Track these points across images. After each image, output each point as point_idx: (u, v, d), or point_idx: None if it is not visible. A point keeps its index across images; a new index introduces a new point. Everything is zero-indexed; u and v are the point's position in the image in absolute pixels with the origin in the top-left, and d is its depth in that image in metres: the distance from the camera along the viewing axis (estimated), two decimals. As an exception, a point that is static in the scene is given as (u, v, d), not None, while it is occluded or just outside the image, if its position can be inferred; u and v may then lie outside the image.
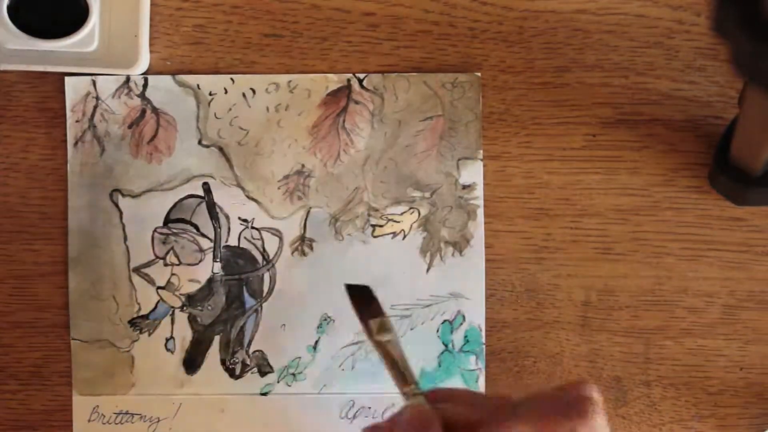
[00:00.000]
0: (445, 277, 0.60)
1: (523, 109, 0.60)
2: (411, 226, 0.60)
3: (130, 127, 0.61)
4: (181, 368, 0.61)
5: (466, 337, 0.60)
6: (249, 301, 0.61)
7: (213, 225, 0.61)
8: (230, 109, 0.61)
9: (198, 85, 0.61)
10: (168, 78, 0.61)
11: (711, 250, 0.60)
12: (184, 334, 0.61)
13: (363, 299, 0.53)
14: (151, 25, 0.60)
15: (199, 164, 0.61)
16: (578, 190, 0.60)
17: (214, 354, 0.61)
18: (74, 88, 0.61)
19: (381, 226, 0.60)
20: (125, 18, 0.60)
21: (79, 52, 0.60)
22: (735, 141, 0.54)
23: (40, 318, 0.61)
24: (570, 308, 0.60)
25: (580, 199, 0.60)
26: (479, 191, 0.60)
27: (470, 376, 0.60)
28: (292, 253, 0.61)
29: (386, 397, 0.60)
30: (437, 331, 0.60)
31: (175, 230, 0.61)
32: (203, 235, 0.61)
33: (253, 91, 0.61)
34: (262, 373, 0.61)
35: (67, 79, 0.61)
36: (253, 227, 0.61)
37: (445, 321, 0.60)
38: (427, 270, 0.60)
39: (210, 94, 0.61)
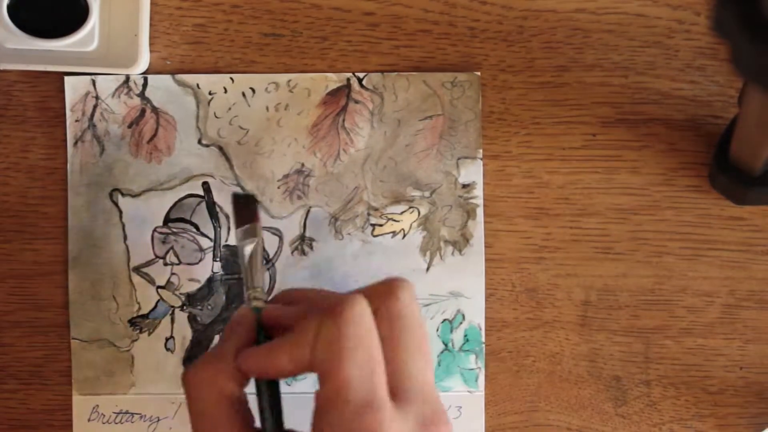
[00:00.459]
0: (445, 276, 0.60)
1: (522, 109, 0.60)
2: (411, 225, 0.60)
3: (129, 126, 0.61)
4: (182, 368, 0.61)
5: (465, 336, 0.60)
6: (249, 301, 0.61)
7: (213, 224, 0.61)
8: (230, 109, 0.61)
9: (197, 85, 0.61)
10: (167, 77, 0.61)
11: (711, 250, 0.60)
12: (184, 333, 0.61)
13: (245, 207, 0.54)
14: (151, 25, 0.60)
15: (199, 163, 0.61)
16: (578, 189, 0.60)
17: (214, 354, 0.61)
18: (74, 88, 0.61)
19: (381, 225, 0.60)
20: (125, 17, 0.60)
21: (79, 51, 0.60)
22: (735, 141, 0.54)
23: (40, 318, 0.61)
24: (570, 308, 0.60)
25: (580, 199, 0.60)
26: (479, 190, 0.60)
27: (470, 375, 0.60)
28: (292, 252, 0.61)
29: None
30: (437, 330, 0.60)
31: (175, 230, 0.61)
32: (203, 235, 0.61)
33: (253, 91, 0.61)
34: (262, 373, 0.61)
35: (66, 78, 0.61)
36: None
37: (444, 320, 0.60)
38: (427, 269, 0.60)
39: (209, 94, 0.61)
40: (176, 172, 0.61)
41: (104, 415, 0.61)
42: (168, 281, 0.61)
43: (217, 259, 0.61)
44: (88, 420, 0.61)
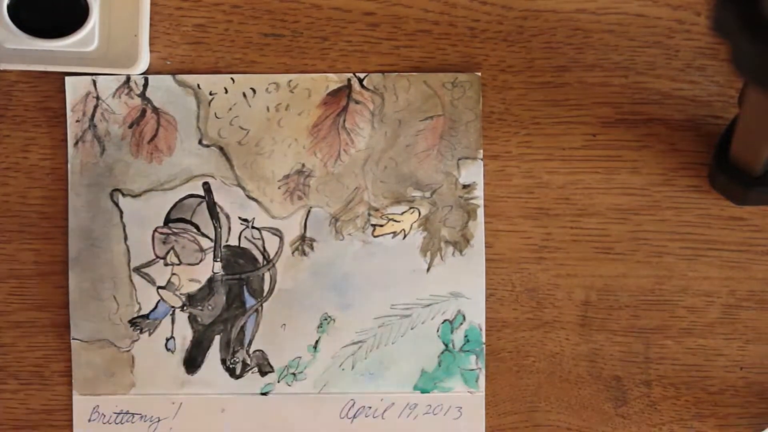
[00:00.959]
0: (446, 276, 0.60)
1: (523, 109, 0.60)
2: (411, 225, 0.60)
3: (130, 126, 0.61)
4: (182, 368, 0.61)
5: (466, 336, 0.60)
6: (249, 301, 0.61)
7: (213, 225, 0.61)
8: (230, 109, 0.61)
9: (198, 85, 0.61)
10: (168, 78, 0.61)
11: (711, 250, 0.60)
12: (184, 333, 0.61)
13: None
14: (151, 25, 0.60)
15: (200, 164, 0.61)
16: (578, 189, 0.60)
17: (214, 354, 0.61)
18: (74, 88, 0.61)
19: (381, 225, 0.60)
20: (125, 18, 0.60)
21: (79, 51, 0.60)
22: (735, 141, 0.54)
23: (40, 318, 0.61)
24: (570, 308, 0.60)
25: (580, 199, 0.60)
26: (479, 191, 0.60)
27: (470, 375, 0.60)
28: (293, 252, 0.61)
29: (386, 397, 0.60)
30: (437, 330, 0.60)
31: (175, 230, 0.61)
32: (204, 235, 0.61)
33: (254, 91, 0.61)
34: (263, 373, 0.61)
35: (67, 78, 0.61)
36: (253, 227, 0.61)
37: (445, 320, 0.60)
38: (428, 269, 0.60)
39: (210, 94, 0.61)
40: (177, 173, 0.61)
41: (104, 416, 0.61)
42: (168, 281, 0.61)
43: (218, 260, 0.61)
44: (89, 420, 0.61)
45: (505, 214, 0.60)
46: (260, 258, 0.61)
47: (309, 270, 0.60)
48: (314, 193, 0.61)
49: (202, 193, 0.61)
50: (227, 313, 0.61)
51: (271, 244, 0.61)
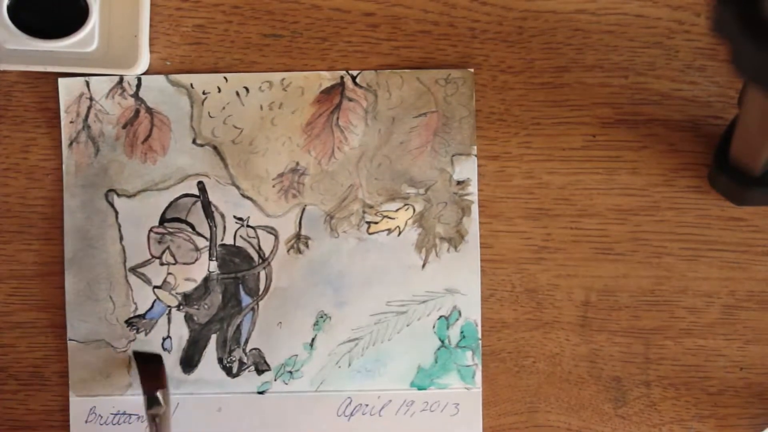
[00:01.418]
0: (441, 272, 0.60)
1: (523, 109, 0.60)
2: (406, 222, 0.60)
3: (124, 127, 0.61)
4: (178, 367, 0.61)
5: (462, 332, 0.60)
6: (245, 300, 0.61)
7: (208, 224, 0.61)
8: (224, 108, 0.61)
9: (191, 84, 0.61)
10: (161, 77, 0.61)
11: (711, 250, 0.60)
12: (180, 333, 0.61)
13: (150, 368, 0.56)
14: (151, 25, 0.60)
15: (194, 163, 0.61)
16: (578, 190, 0.60)
17: (210, 353, 0.61)
18: (68, 89, 0.61)
19: (376, 222, 0.60)
20: (125, 18, 0.60)
21: (79, 52, 0.60)
22: (735, 141, 0.54)
23: (40, 318, 0.61)
24: (570, 308, 0.60)
25: (580, 199, 0.60)
26: (473, 187, 0.60)
27: (467, 371, 0.60)
28: (288, 251, 0.61)
29: (383, 394, 0.60)
30: (433, 326, 0.60)
31: (170, 229, 0.61)
32: (199, 234, 0.61)
33: (247, 90, 0.61)
34: (259, 372, 0.61)
35: (60, 80, 0.61)
36: (248, 225, 0.61)
37: (441, 317, 0.60)
38: (423, 266, 0.60)
39: (203, 93, 0.61)
40: (171, 172, 0.61)
41: (101, 416, 0.61)
42: (164, 281, 0.61)
43: (213, 258, 0.61)
44: (86, 422, 0.61)
45: (505, 214, 0.60)
46: (255, 256, 0.61)
47: (304, 268, 0.60)
48: (309, 191, 0.61)
49: (196, 192, 0.61)
50: (223, 312, 0.61)
51: (267, 242, 0.61)
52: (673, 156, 0.60)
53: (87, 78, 0.61)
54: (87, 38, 0.60)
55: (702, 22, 0.60)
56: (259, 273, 0.61)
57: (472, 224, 0.60)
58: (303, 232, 0.61)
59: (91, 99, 0.61)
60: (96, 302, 0.61)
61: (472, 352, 0.60)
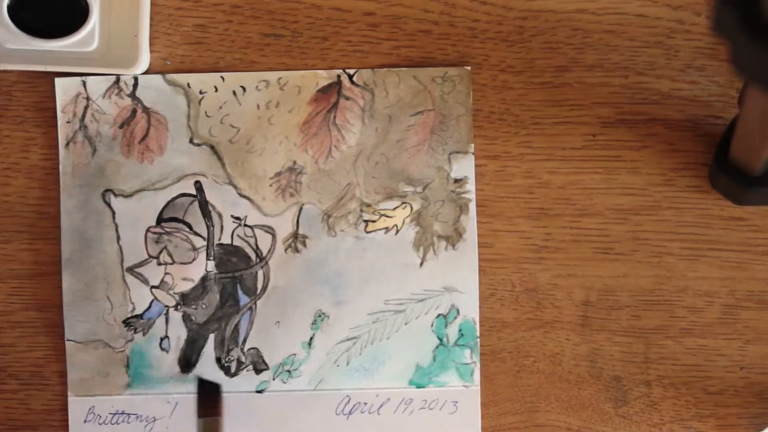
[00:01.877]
0: (439, 271, 0.60)
1: (523, 109, 0.60)
2: (403, 220, 0.60)
3: (121, 126, 0.61)
4: (177, 367, 0.61)
5: (460, 330, 0.60)
6: (243, 299, 0.61)
7: (206, 223, 0.61)
8: (221, 107, 0.61)
9: (188, 84, 0.61)
10: (158, 77, 0.61)
11: (711, 250, 0.60)
12: (178, 333, 0.61)
13: (209, 396, 0.56)
14: (151, 25, 0.60)
15: (191, 163, 0.61)
16: (578, 189, 0.60)
17: (209, 352, 0.61)
18: (64, 89, 0.61)
19: (374, 221, 0.60)
20: (125, 18, 0.60)
21: (79, 52, 0.60)
22: (735, 141, 0.54)
23: (40, 318, 0.61)
24: (570, 308, 0.60)
25: (580, 199, 0.60)
26: (471, 185, 0.60)
27: (465, 370, 0.60)
28: (286, 250, 0.61)
29: (382, 392, 0.60)
30: (431, 325, 0.60)
31: (168, 229, 0.61)
32: (196, 234, 0.61)
33: (244, 89, 0.61)
34: (258, 371, 0.61)
35: (57, 80, 0.61)
36: (245, 225, 0.61)
37: (439, 315, 0.60)
38: (421, 264, 0.60)
39: (200, 93, 0.61)
40: (168, 172, 0.61)
41: (100, 416, 0.61)
42: (162, 281, 0.61)
43: (211, 258, 0.61)
44: (84, 421, 0.61)
45: (505, 214, 0.60)
46: (253, 256, 0.61)
47: (302, 267, 0.60)
48: (306, 190, 0.61)
49: (193, 192, 0.61)
50: (221, 312, 0.61)
51: (264, 241, 0.61)
52: (673, 156, 0.60)
53: (84, 78, 0.61)
54: (87, 38, 0.60)
55: (702, 22, 0.60)
56: (256, 272, 0.61)
57: (470, 222, 0.60)
58: (300, 231, 0.61)
59: (87, 99, 0.61)
60: (94, 302, 0.61)
61: (471, 350, 0.60)
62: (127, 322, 0.61)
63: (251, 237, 0.61)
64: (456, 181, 0.60)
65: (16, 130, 0.61)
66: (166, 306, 0.61)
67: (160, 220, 0.61)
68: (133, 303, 0.61)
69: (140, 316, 0.61)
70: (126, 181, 0.61)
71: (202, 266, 0.61)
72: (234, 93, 0.61)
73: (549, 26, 0.60)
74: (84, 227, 0.61)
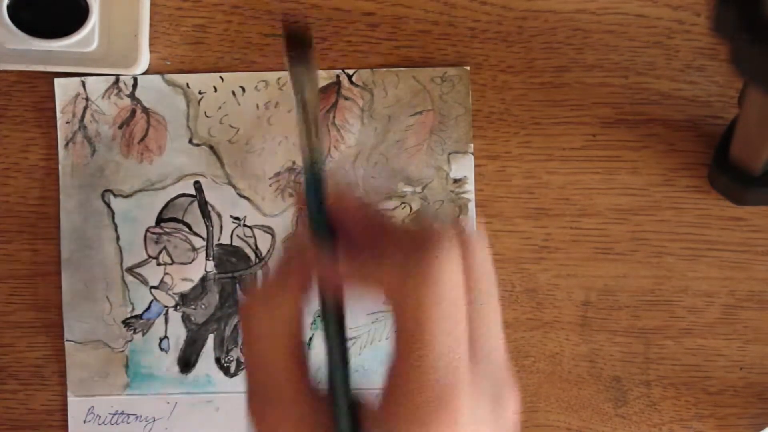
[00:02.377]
0: None
1: (523, 109, 0.60)
2: (403, 221, 0.60)
3: (120, 127, 0.61)
4: (176, 367, 0.61)
5: None
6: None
7: (205, 223, 0.61)
8: (220, 108, 0.61)
9: (187, 84, 0.61)
10: (157, 77, 0.61)
11: (711, 250, 0.60)
12: (178, 333, 0.61)
13: (297, 35, 0.42)
14: (151, 25, 0.60)
15: (190, 163, 0.61)
16: (578, 190, 0.60)
17: (208, 353, 0.61)
18: (63, 89, 0.61)
19: None
20: (125, 18, 0.60)
21: (79, 52, 0.60)
22: (735, 141, 0.53)
23: (40, 318, 0.61)
24: (570, 308, 0.60)
25: (580, 199, 0.60)
26: (470, 185, 0.60)
27: (467, 373, 0.60)
28: None
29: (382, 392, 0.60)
30: None
31: (167, 229, 0.61)
32: (196, 234, 0.61)
33: (243, 89, 0.61)
34: (259, 372, 0.61)
35: (56, 80, 0.61)
36: (245, 225, 0.61)
37: None
38: None
39: (199, 93, 0.61)
40: (167, 172, 0.61)
41: (100, 417, 0.61)
42: (161, 281, 0.61)
43: (210, 258, 0.61)
44: (84, 422, 0.61)
45: (505, 214, 0.60)
46: (252, 256, 0.61)
47: (301, 267, 0.60)
48: None
49: (193, 192, 0.61)
50: (221, 312, 0.61)
51: (263, 241, 0.61)
52: (673, 156, 0.60)
53: (83, 78, 0.61)
54: (87, 38, 0.60)
55: (702, 22, 0.60)
56: (256, 272, 0.61)
57: (469, 222, 0.60)
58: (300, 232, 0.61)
59: (87, 99, 0.61)
60: (93, 303, 0.61)
61: (471, 352, 0.60)
62: (126, 323, 0.61)
63: (251, 237, 0.61)
64: (455, 181, 0.60)
65: (15, 130, 0.61)
66: (166, 306, 0.61)
67: (159, 220, 0.61)
68: (132, 303, 0.61)
69: (140, 317, 0.61)
70: (125, 182, 0.61)
71: (201, 266, 0.61)
72: (233, 93, 0.61)
73: (549, 26, 0.60)
74: (83, 227, 0.61)
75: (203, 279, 0.61)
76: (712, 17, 0.36)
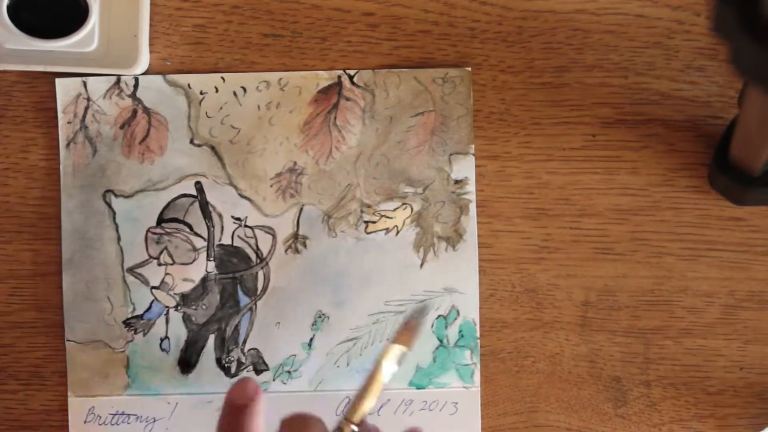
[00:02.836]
0: (439, 272, 0.60)
1: (522, 109, 0.60)
2: (404, 221, 0.60)
3: (121, 127, 0.61)
4: (177, 368, 0.61)
5: (460, 331, 0.60)
6: (243, 300, 0.61)
7: (206, 224, 0.61)
8: (221, 108, 0.61)
9: (189, 84, 0.61)
10: (159, 78, 0.61)
11: (711, 250, 0.60)
12: (178, 333, 0.61)
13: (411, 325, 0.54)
14: (150, 25, 0.60)
15: (191, 163, 0.61)
16: (578, 190, 0.60)
17: (209, 353, 0.61)
18: (65, 90, 0.61)
19: (374, 222, 0.60)
20: (125, 18, 0.60)
21: (79, 52, 0.60)
22: (735, 141, 0.54)
23: (40, 318, 0.61)
24: (570, 308, 0.60)
25: (580, 199, 0.60)
26: (471, 186, 0.60)
27: (465, 371, 0.60)
28: (286, 250, 0.61)
29: (382, 393, 0.60)
30: (431, 326, 0.60)
31: (168, 230, 0.61)
32: (197, 234, 0.61)
33: (244, 90, 0.61)
34: (258, 371, 0.61)
35: (57, 80, 0.61)
36: (246, 225, 0.61)
37: (439, 316, 0.60)
38: (421, 265, 0.60)
39: (201, 93, 0.61)
40: (169, 172, 0.61)
41: (100, 417, 0.61)
42: (162, 281, 0.61)
43: (211, 259, 0.61)
44: (84, 422, 0.61)
45: (505, 214, 0.60)
46: (253, 256, 0.61)
47: (302, 268, 0.60)
48: (306, 191, 0.61)
49: (194, 192, 0.61)
50: (221, 312, 0.61)
51: (264, 242, 0.61)
52: (673, 156, 0.60)
53: (84, 78, 0.61)
54: (87, 38, 0.60)
55: (702, 22, 0.60)
56: (257, 273, 0.61)
57: (470, 223, 0.60)
58: (301, 232, 0.61)
59: (88, 99, 0.61)
60: (94, 303, 0.61)
61: (471, 351, 0.60)
62: (127, 323, 0.61)
63: (251, 238, 0.61)
64: (456, 182, 0.60)
65: (16, 131, 0.61)
66: (167, 306, 0.61)
67: (160, 220, 0.61)
68: (133, 303, 0.61)
69: (140, 317, 0.61)
70: (126, 182, 0.61)
71: (202, 267, 0.61)
72: (234, 94, 0.61)
73: (549, 26, 0.60)
74: (84, 228, 0.61)
75: (204, 279, 0.61)
76: (712, 17, 0.36)
